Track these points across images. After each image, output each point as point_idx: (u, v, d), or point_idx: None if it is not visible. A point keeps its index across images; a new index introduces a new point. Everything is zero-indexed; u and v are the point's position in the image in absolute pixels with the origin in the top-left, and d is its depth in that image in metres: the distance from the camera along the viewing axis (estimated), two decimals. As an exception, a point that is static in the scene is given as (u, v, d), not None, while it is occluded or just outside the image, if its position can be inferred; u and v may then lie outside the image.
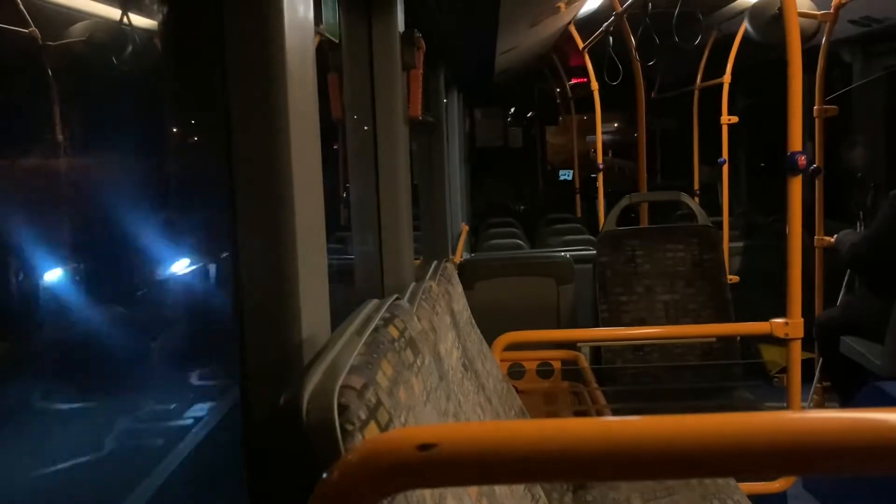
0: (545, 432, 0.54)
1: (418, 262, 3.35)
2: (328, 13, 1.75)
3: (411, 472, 0.54)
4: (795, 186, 2.21)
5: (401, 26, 2.09)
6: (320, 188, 1.14)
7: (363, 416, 0.73)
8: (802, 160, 2.17)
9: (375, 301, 1.12)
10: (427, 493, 0.81)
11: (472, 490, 0.98)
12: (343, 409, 0.72)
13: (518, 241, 5.95)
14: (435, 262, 2.17)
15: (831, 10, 3.52)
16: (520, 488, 1.41)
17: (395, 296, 1.16)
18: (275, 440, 0.80)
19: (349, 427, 0.71)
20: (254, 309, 1.01)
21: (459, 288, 2.21)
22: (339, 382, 0.75)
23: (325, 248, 1.16)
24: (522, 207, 8.97)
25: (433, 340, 1.37)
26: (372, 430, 0.73)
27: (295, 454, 0.74)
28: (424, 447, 0.53)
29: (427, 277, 1.88)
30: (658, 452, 0.56)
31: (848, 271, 3.85)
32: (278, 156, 1.00)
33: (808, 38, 3.69)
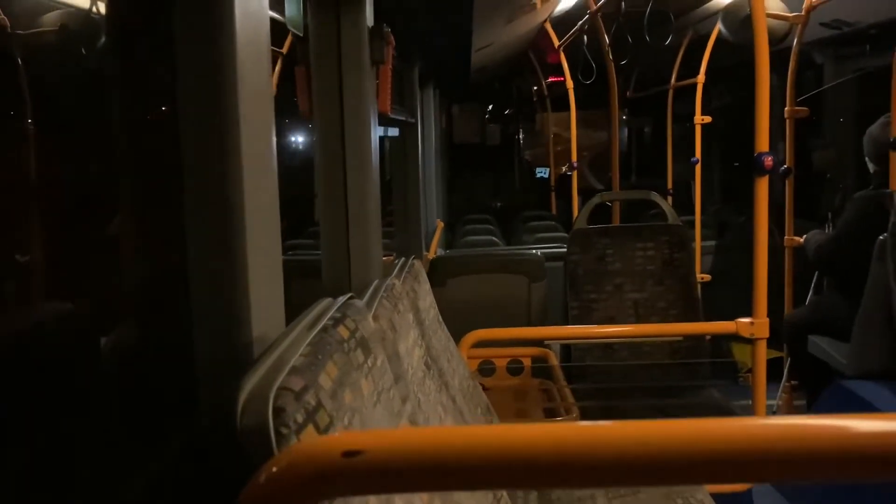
0: (474, 439, 0.53)
1: (391, 258, 3.33)
2: (292, 6, 1.73)
3: (335, 479, 0.52)
4: (762, 187, 2.22)
5: (370, 21, 2.07)
6: (275, 181, 1.12)
7: (300, 420, 0.72)
8: (769, 161, 2.18)
9: (328, 300, 1.10)
10: (372, 497, 0.80)
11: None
12: (279, 411, 0.71)
13: (494, 238, 5.95)
14: (402, 260, 2.16)
15: (802, 13, 3.55)
16: (479, 488, 1.40)
17: (349, 294, 1.15)
18: (212, 441, 0.78)
19: (284, 430, 0.69)
20: (203, 305, 1.00)
21: (426, 285, 2.20)
22: (277, 384, 0.74)
23: (280, 242, 1.14)
24: (499, 204, 8.98)
25: (392, 339, 1.35)
26: (310, 434, 0.72)
27: (229, 456, 0.72)
28: (350, 454, 0.52)
29: (392, 275, 1.86)
30: (600, 460, 0.56)
31: (816, 271, 3.89)
32: (228, 146, 0.98)
33: (780, 40, 3.72)
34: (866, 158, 3.50)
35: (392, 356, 1.28)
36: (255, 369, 0.79)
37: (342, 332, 0.97)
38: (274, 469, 0.54)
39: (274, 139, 1.13)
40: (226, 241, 1.00)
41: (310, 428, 0.72)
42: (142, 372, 1.00)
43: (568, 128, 5.46)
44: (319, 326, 0.95)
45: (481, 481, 0.53)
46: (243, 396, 0.73)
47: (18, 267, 1.10)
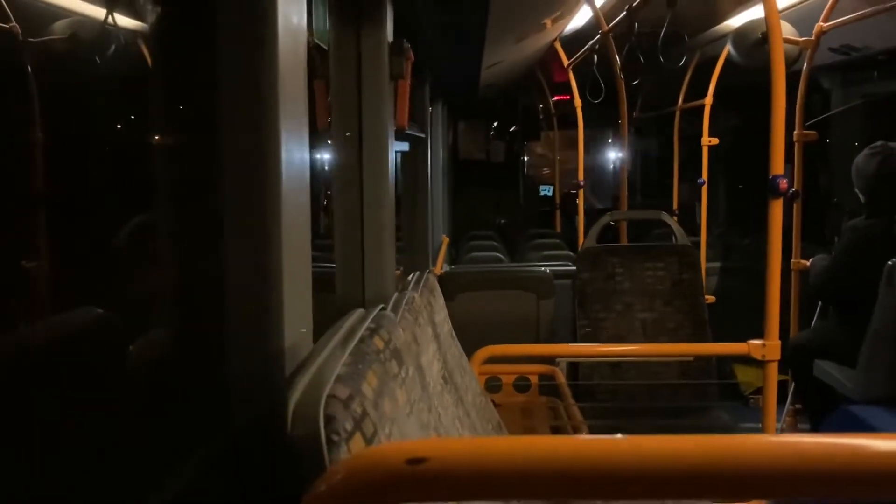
0: (534, 449, 0.54)
1: (398, 272, 3.34)
2: (318, 20, 1.75)
3: (401, 486, 0.53)
4: (776, 209, 2.23)
5: (390, 36, 2.08)
6: (307, 197, 1.13)
7: (349, 428, 0.72)
8: (784, 184, 2.19)
9: (360, 311, 1.11)
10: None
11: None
12: (329, 419, 0.71)
13: (498, 254, 5.96)
14: (417, 273, 2.17)
15: (812, 38, 3.58)
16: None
17: (381, 306, 1.15)
18: (259, 450, 0.78)
19: (335, 438, 0.70)
20: (237, 317, 1.00)
21: (441, 300, 2.20)
22: (325, 392, 0.74)
23: (310, 257, 1.15)
24: (503, 221, 8.99)
25: (416, 352, 1.36)
26: (357, 442, 0.72)
27: (280, 465, 0.73)
28: (414, 461, 0.52)
29: (410, 288, 1.87)
30: (655, 472, 0.56)
31: (819, 297, 3.90)
32: (267, 164, 0.99)
33: (790, 65, 3.74)
34: (856, 190, 3.51)
35: (417, 369, 1.29)
36: (299, 379, 0.80)
37: (378, 342, 0.98)
38: (339, 475, 0.55)
39: (307, 152, 1.14)
40: (263, 250, 1.01)
41: (357, 436, 0.73)
42: (175, 379, 1.01)
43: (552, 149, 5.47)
44: (357, 337, 0.95)
45: (542, 491, 0.54)
46: (292, 404, 0.73)
47: (56, 274, 1.10)
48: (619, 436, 0.58)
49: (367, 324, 1.02)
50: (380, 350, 0.96)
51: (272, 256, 1.00)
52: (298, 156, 1.07)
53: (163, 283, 1.05)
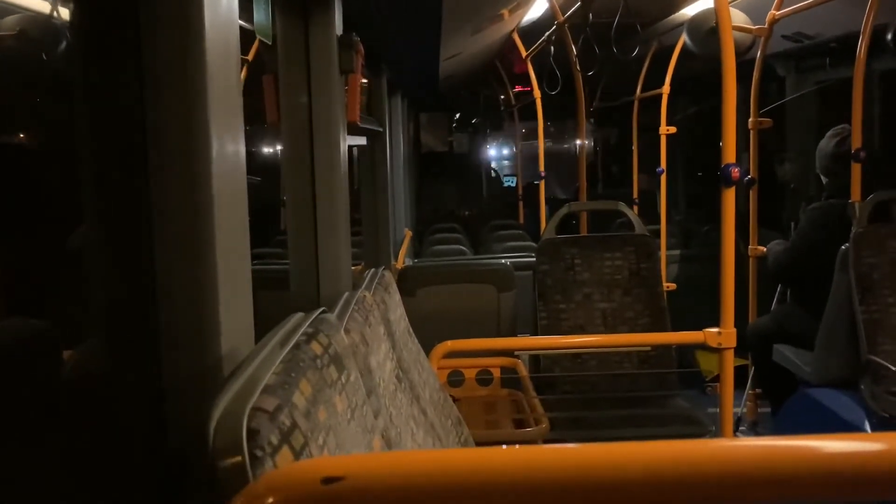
0: (454, 462, 0.52)
1: (359, 267, 3.30)
2: (260, 14, 1.70)
3: (315, 507, 0.51)
4: (729, 198, 2.24)
5: (339, 29, 2.05)
6: (244, 195, 1.10)
7: (275, 441, 0.70)
8: (736, 172, 2.20)
9: (300, 314, 1.08)
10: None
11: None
12: (253, 433, 0.68)
13: (462, 247, 5.95)
14: (372, 271, 2.14)
15: (766, 26, 3.61)
16: None
17: (322, 308, 1.13)
18: (186, 466, 0.75)
19: (258, 453, 0.67)
20: (170, 321, 0.97)
21: (397, 296, 2.18)
22: (250, 405, 0.71)
23: (249, 254, 1.11)
24: (467, 213, 9.00)
25: (363, 353, 1.34)
26: (285, 456, 0.70)
27: (203, 481, 0.70)
28: (329, 480, 0.50)
29: (363, 287, 1.84)
30: (582, 482, 0.55)
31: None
32: (197, 162, 0.96)
33: (744, 52, 3.78)
34: (818, 171, 3.58)
35: (364, 370, 1.26)
36: (227, 389, 0.77)
37: (315, 348, 0.95)
38: (252, 497, 0.52)
39: (243, 148, 1.11)
40: (194, 253, 0.97)
41: (285, 449, 0.70)
42: (107, 390, 0.97)
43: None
44: (292, 343, 0.93)
45: (464, 506, 0.52)
46: (216, 417, 0.70)
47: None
48: (556, 444, 0.56)
49: (304, 328, 0.99)
50: (317, 356, 0.93)
51: (206, 259, 0.97)
52: (232, 151, 1.04)
53: (90, 291, 1.01)
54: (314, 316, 1.08)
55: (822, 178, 3.55)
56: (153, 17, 0.95)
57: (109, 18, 0.98)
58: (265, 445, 0.68)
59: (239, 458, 0.66)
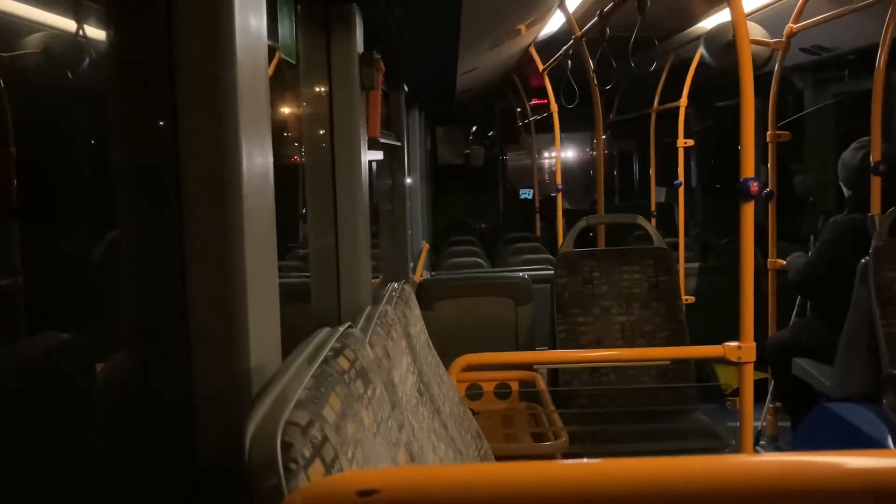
0: (488, 476, 0.53)
1: (377, 280, 3.33)
2: (285, 33, 1.74)
3: (351, 519, 0.52)
4: (748, 212, 2.24)
5: (360, 47, 2.08)
6: (272, 207, 1.12)
7: (307, 455, 0.71)
8: (755, 186, 2.20)
9: (327, 329, 1.10)
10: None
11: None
12: (287, 447, 0.70)
13: (478, 259, 5.96)
14: (392, 285, 2.16)
15: (783, 39, 3.61)
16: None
17: (348, 324, 1.15)
18: (219, 478, 0.77)
19: (293, 466, 0.69)
20: (200, 337, 0.99)
21: (417, 310, 2.20)
22: (284, 419, 0.73)
23: (277, 271, 1.14)
24: (483, 226, 9.01)
25: (387, 367, 1.35)
26: (317, 469, 0.72)
27: (239, 493, 0.72)
28: (365, 493, 0.52)
29: (384, 301, 1.86)
30: (613, 496, 0.56)
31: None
32: (227, 178, 0.98)
33: (762, 65, 3.78)
34: (841, 183, 3.56)
35: (388, 384, 1.28)
36: (260, 403, 0.79)
37: (342, 363, 0.97)
38: (290, 509, 0.54)
39: (271, 164, 1.13)
40: (224, 268, 1.00)
41: (317, 462, 0.72)
42: (138, 403, 1.00)
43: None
44: (321, 358, 0.95)
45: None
46: (251, 431, 0.72)
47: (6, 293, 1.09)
48: (581, 460, 0.58)
49: (331, 343, 1.01)
50: (344, 370, 0.95)
51: (235, 274, 0.99)
52: (261, 166, 1.06)
53: (121, 305, 1.03)
54: (340, 331, 1.10)
55: (845, 190, 3.53)
56: (186, 37, 0.98)
57: (142, 39, 1.01)
58: (298, 459, 0.70)
59: (275, 472, 0.68)
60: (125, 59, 1.05)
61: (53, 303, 1.21)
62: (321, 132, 2.07)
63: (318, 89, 2.06)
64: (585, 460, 0.58)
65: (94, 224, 1.34)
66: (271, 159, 1.13)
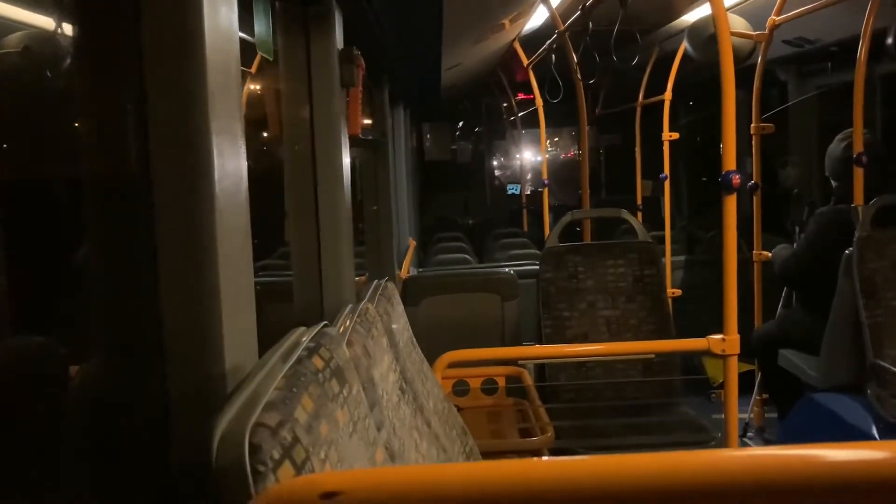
0: (454, 476, 0.52)
1: (363, 278, 3.31)
2: (261, 29, 1.72)
3: (314, 522, 0.51)
4: (730, 205, 2.24)
5: (339, 43, 2.07)
6: (246, 204, 1.10)
7: (276, 457, 0.70)
8: (737, 179, 2.20)
9: (302, 329, 1.09)
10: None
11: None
12: (255, 449, 0.69)
13: (466, 255, 5.95)
14: (375, 282, 2.15)
15: (766, 31, 3.62)
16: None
17: (324, 322, 1.13)
18: (190, 481, 0.76)
19: (261, 468, 0.68)
20: (173, 336, 0.98)
21: (400, 307, 2.19)
22: (253, 421, 0.72)
23: (252, 269, 1.12)
24: (471, 221, 9.00)
25: (366, 366, 1.34)
26: (286, 471, 0.71)
27: (206, 496, 0.71)
28: (328, 495, 0.51)
29: (366, 298, 1.85)
30: (578, 495, 0.55)
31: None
32: (199, 168, 0.97)
33: (745, 58, 3.78)
34: (827, 175, 3.58)
35: (367, 383, 1.27)
36: (230, 405, 0.78)
37: (317, 362, 0.96)
38: (253, 512, 0.53)
39: (245, 161, 1.12)
40: (197, 268, 0.98)
41: (286, 464, 0.71)
42: (111, 405, 0.98)
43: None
44: (294, 358, 0.93)
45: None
46: (218, 433, 0.71)
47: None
48: (544, 458, 0.57)
49: (305, 343, 1.00)
50: (318, 370, 0.94)
51: (209, 274, 0.98)
52: (234, 163, 1.05)
53: (93, 306, 1.02)
54: (316, 330, 1.08)
55: (832, 181, 3.55)
56: (154, 29, 0.96)
57: (109, 29, 0.99)
58: (267, 461, 0.69)
59: (242, 474, 0.67)
60: (92, 55, 1.03)
61: (24, 306, 1.20)
62: (301, 129, 2.05)
63: (297, 87, 2.05)
64: (563, 458, 0.58)
65: (62, 224, 1.33)
66: (244, 159, 1.11)
